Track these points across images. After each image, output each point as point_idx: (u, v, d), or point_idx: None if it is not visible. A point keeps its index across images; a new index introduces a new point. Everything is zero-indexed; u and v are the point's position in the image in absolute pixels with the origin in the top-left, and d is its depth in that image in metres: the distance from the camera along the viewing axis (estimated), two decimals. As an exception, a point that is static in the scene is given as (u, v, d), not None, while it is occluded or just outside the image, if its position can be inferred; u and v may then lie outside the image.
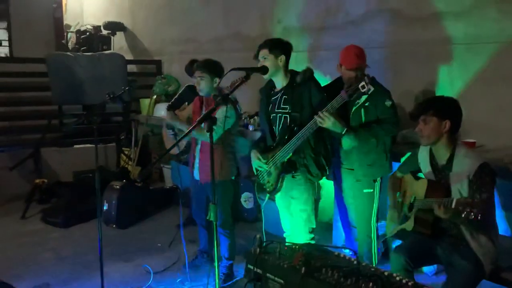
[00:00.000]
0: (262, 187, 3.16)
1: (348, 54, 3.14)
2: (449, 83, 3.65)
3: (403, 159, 3.11)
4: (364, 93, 2.66)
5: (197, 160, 3.50)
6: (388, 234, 2.85)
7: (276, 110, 3.09)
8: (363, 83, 2.62)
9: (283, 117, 3.04)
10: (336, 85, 3.20)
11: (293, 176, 3.03)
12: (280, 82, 3.08)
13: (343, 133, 2.85)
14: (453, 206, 2.24)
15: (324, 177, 3.12)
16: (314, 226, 3.13)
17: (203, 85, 3.36)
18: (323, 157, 3.02)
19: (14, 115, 6.59)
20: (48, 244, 4.33)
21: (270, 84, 3.16)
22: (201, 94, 3.45)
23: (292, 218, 3.15)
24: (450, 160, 2.52)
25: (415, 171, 2.79)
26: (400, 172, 2.90)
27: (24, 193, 5.24)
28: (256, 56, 3.08)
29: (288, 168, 3.00)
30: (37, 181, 5.34)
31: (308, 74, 3.02)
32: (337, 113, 2.78)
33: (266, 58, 3.00)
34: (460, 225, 2.47)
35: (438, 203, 2.36)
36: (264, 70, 2.96)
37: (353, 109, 3.05)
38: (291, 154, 2.94)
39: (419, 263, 2.66)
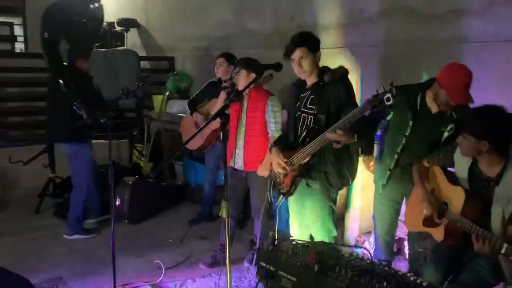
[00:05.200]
0: (277, 187, 2.95)
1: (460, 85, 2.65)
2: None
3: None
4: (389, 106, 2.32)
5: (241, 150, 3.47)
6: (410, 229, 2.76)
7: (302, 109, 2.83)
8: (388, 95, 2.27)
9: (307, 118, 2.78)
10: None
11: (307, 184, 2.79)
12: (310, 79, 2.80)
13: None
14: (502, 252, 2.02)
15: (344, 188, 2.87)
16: (335, 235, 2.89)
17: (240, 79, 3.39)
18: (346, 166, 2.74)
19: (28, 110, 6.66)
20: (61, 238, 4.35)
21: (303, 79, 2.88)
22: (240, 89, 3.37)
23: (308, 228, 2.94)
24: (500, 174, 2.27)
25: (445, 166, 2.60)
26: (428, 162, 2.66)
27: (38, 188, 5.28)
28: (288, 55, 2.73)
29: (304, 172, 2.75)
30: (51, 175, 5.38)
31: (340, 73, 2.72)
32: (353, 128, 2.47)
33: (306, 58, 2.70)
34: None
35: (482, 237, 2.12)
36: (278, 67, 2.52)
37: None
38: (308, 158, 2.70)
39: (451, 274, 2.51)
